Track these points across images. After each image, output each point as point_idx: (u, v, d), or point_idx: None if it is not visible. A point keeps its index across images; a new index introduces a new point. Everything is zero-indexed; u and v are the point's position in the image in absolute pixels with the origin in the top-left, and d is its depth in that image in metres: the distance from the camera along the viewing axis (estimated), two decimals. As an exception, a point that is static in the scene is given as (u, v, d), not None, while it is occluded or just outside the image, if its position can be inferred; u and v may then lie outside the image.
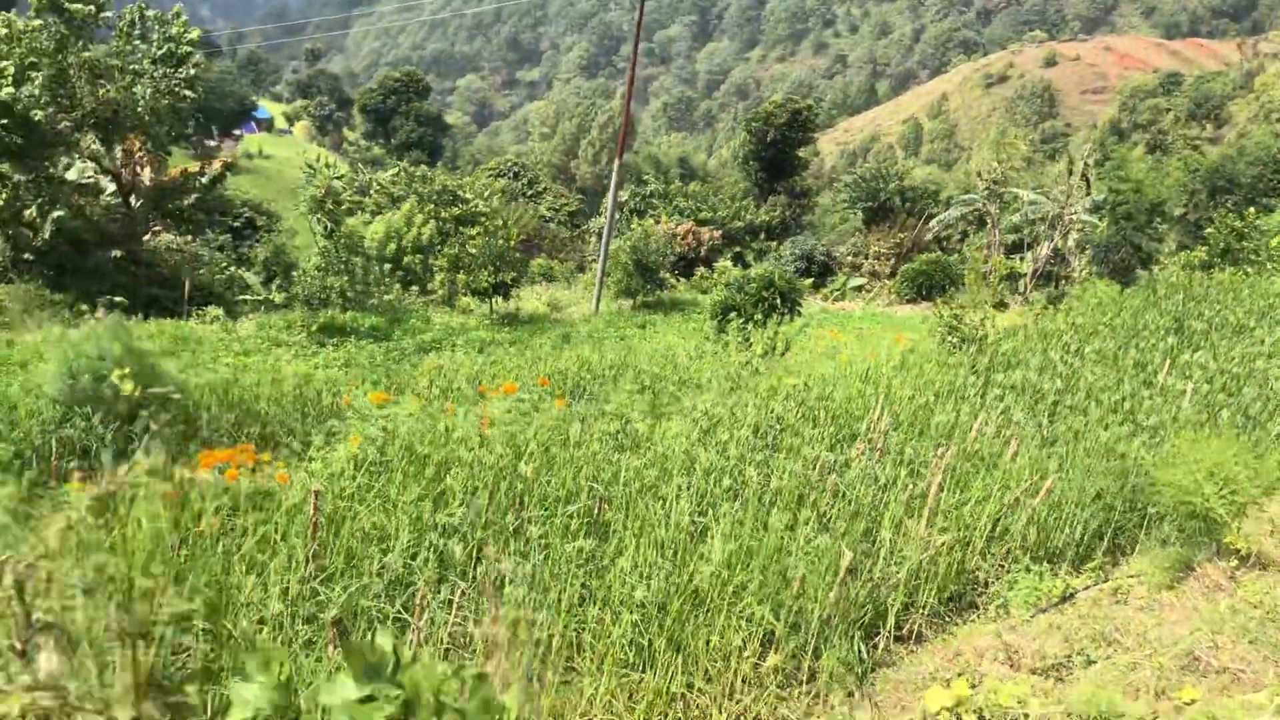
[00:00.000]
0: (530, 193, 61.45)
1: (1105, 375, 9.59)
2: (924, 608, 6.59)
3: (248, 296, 26.64)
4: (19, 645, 1.14)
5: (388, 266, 29.18)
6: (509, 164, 67.48)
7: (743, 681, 5.70)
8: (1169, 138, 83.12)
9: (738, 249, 41.75)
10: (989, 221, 36.29)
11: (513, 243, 27.58)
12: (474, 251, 26.42)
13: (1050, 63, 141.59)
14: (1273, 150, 40.47)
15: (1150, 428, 8.44)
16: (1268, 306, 13.25)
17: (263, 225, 31.80)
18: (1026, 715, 4.31)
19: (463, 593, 5.66)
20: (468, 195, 34.65)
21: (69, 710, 1.10)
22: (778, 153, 49.27)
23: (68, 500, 5.12)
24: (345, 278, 24.63)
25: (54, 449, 8.81)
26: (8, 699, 1.08)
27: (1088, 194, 34.58)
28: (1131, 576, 6.82)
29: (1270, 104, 79.12)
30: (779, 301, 17.60)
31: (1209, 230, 27.42)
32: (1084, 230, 34.00)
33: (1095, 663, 5.30)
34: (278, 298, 25.64)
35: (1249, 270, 17.99)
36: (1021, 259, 34.48)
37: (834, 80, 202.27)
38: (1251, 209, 26.95)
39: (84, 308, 22.46)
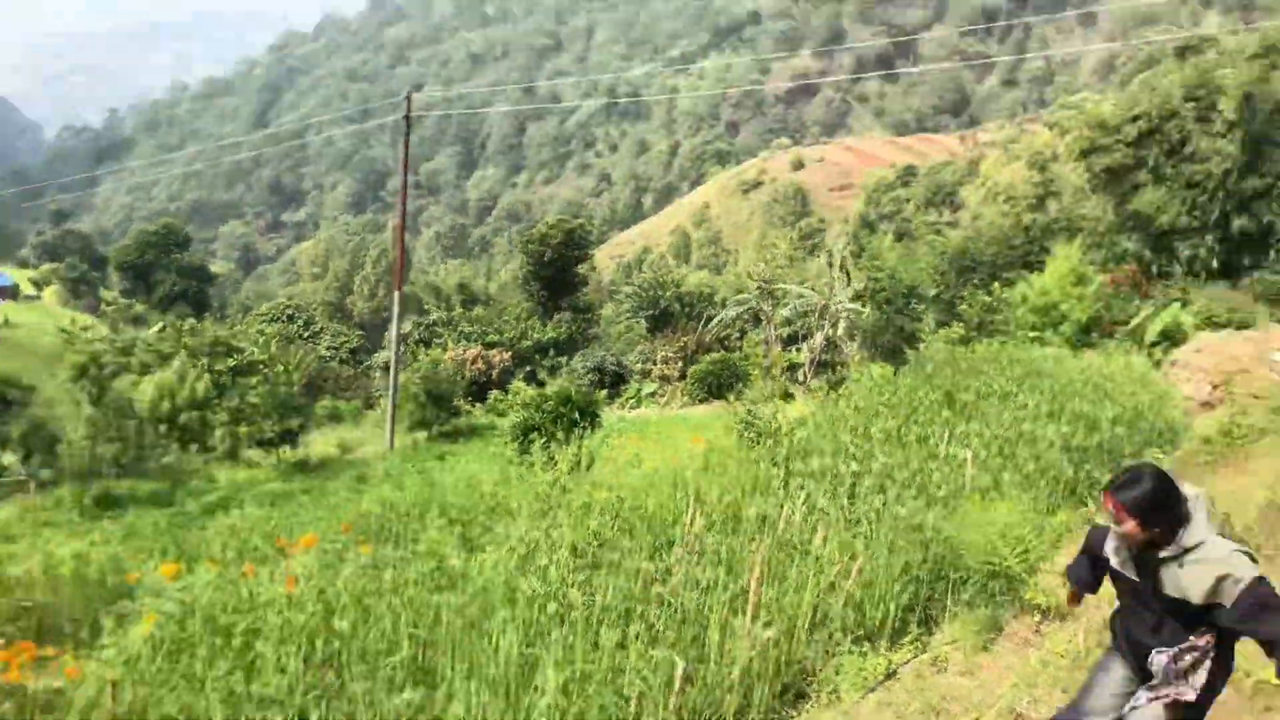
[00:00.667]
0: (307, 334, 59.92)
1: (894, 453, 10.10)
2: (760, 705, 6.63)
3: (5, 479, 24.55)
4: None
5: (163, 428, 27.62)
6: (282, 307, 65.66)
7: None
8: (912, 224, 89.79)
9: (529, 368, 41.90)
10: (763, 318, 37.95)
11: (295, 388, 26.70)
12: (255, 401, 25.39)
13: (799, 166, 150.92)
14: (1004, 228, 44.31)
15: (942, 499, 8.91)
16: (1025, 373, 14.37)
17: (15, 400, 29.51)
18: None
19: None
20: (242, 344, 33.44)
21: None
22: (556, 271, 50.16)
23: None
24: (117, 445, 23.15)
25: None
26: None
27: (849, 284, 36.83)
28: (948, 644, 7.11)
29: (995, 187, 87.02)
30: (578, 416, 17.74)
31: (962, 307, 29.62)
32: (850, 318, 36.03)
33: (929, 733, 5.46)
34: (45, 474, 23.76)
35: (1003, 340, 19.50)
36: (798, 350, 36.14)
37: (601, 198, 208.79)
38: (996, 284, 29.37)
39: None
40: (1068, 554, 8.27)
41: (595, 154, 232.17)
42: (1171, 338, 21.31)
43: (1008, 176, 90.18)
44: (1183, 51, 45.16)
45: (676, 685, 5.99)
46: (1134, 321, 23.19)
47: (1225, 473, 9.26)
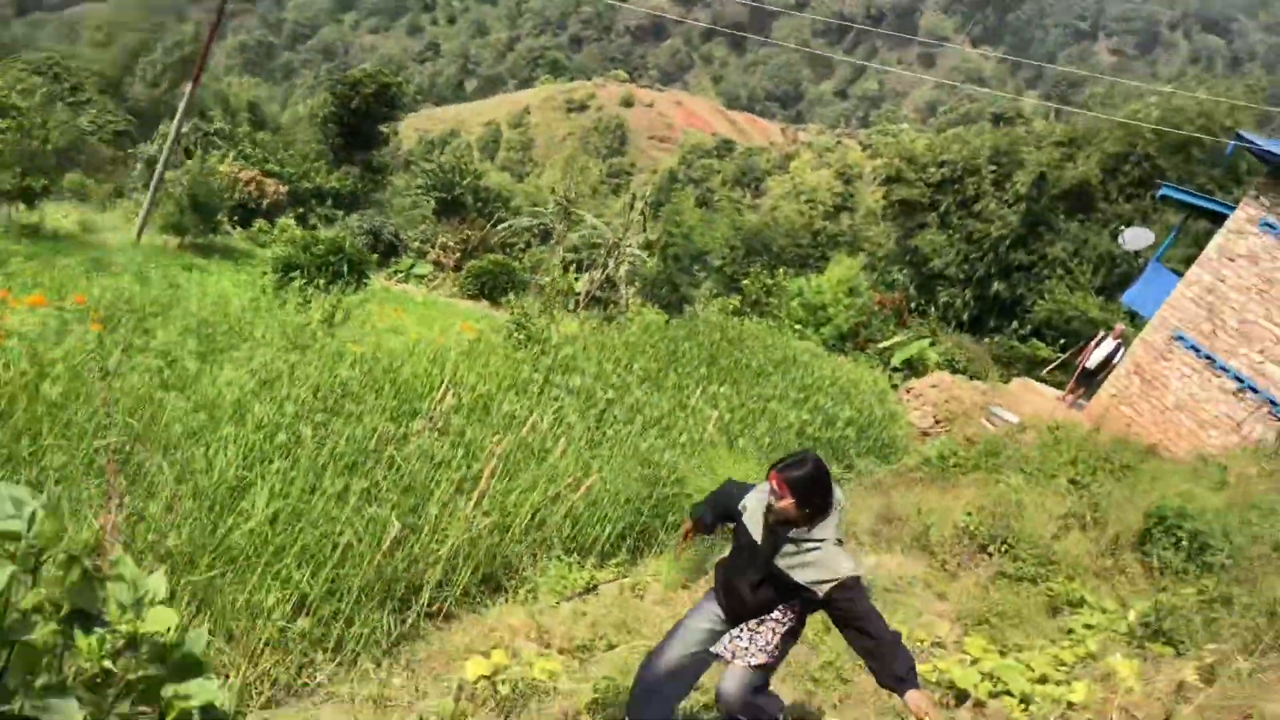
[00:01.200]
0: (73, 100, 54.63)
1: (650, 393, 10.36)
2: (458, 586, 6.69)
3: None
4: None
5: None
6: (48, 62, 59.45)
7: (267, 644, 5.44)
8: (716, 196, 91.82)
9: (303, 210, 39.96)
10: (554, 237, 37.85)
11: (50, 146, 24.32)
12: (1, 147, 22.90)
13: (627, 103, 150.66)
14: (797, 225, 46.09)
15: (682, 444, 9.23)
16: (783, 358, 15.04)
17: None
18: (556, 688, 4.51)
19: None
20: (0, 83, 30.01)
21: None
22: (360, 121, 47.88)
23: None
24: None
25: None
26: None
27: (643, 230, 37.25)
28: (650, 576, 7.40)
29: (801, 185, 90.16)
30: (346, 269, 17.09)
31: (745, 282, 30.63)
32: (634, 263, 36.52)
33: (616, 647, 5.67)
34: None
35: (772, 324, 20.33)
36: (578, 278, 36.34)
37: (425, 66, 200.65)
38: (781, 269, 30.56)
39: None
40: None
41: (432, 20, 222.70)
42: (914, 367, 22.90)
43: (814, 180, 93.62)
44: (998, 119, 48.24)
45: (386, 545, 5.94)
46: (887, 343, 24.73)
47: (935, 491, 10.07)
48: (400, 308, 19.21)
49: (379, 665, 5.65)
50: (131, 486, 5.60)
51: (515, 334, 11.62)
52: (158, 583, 1.31)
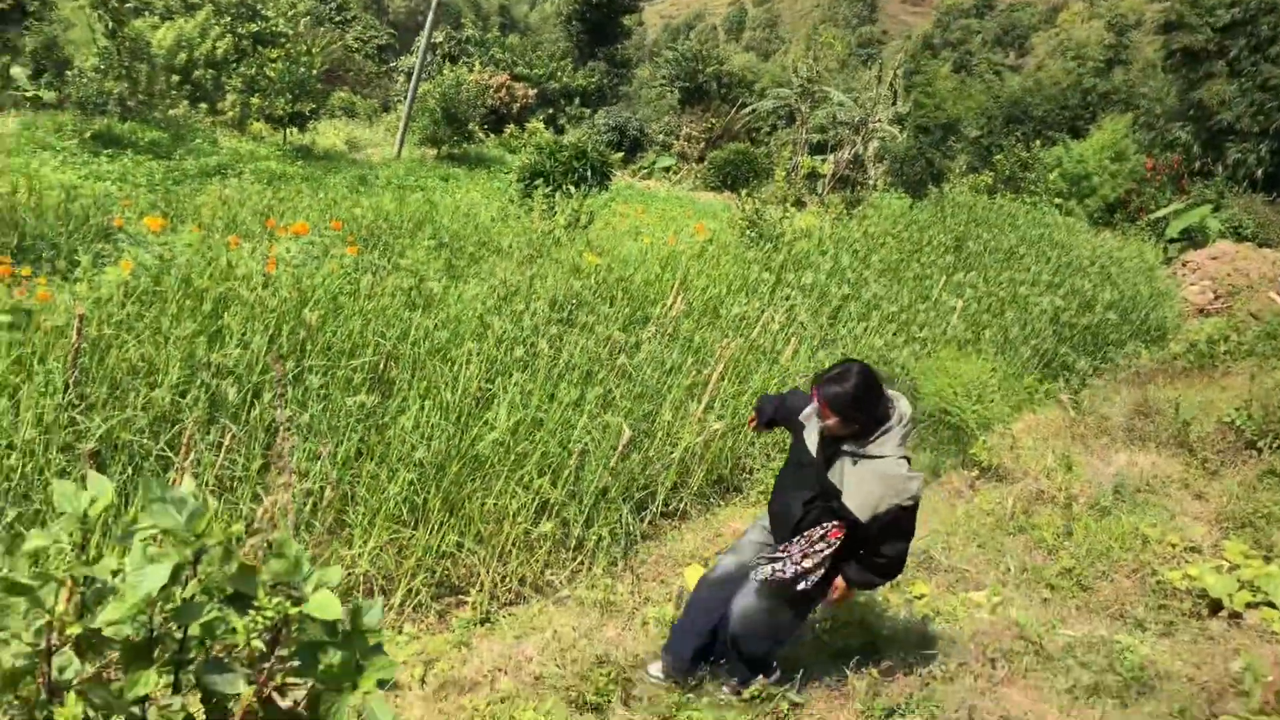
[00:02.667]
0: (338, 19, 57.85)
1: (889, 287, 10.09)
2: (692, 488, 6.89)
3: (13, 91, 24.10)
4: None
5: (175, 78, 26.97)
6: (315, -17, 63.13)
7: (513, 545, 5.83)
8: (975, 59, 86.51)
9: (551, 111, 40.94)
10: (798, 119, 36.98)
11: (315, 71, 26.00)
12: (272, 75, 24.74)
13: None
14: (1064, 86, 42.81)
15: (921, 339, 8.97)
16: (1038, 237, 14.20)
17: (34, 10, 28.59)
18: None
19: (233, 436, 5.48)
20: (269, 13, 32.22)
21: None
22: (603, 16, 48.15)
23: None
24: (127, 84, 22.64)
25: None
26: None
27: (894, 104, 35.69)
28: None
29: (1068, 41, 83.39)
30: (589, 173, 17.45)
31: (998, 157, 28.94)
32: (884, 140, 35.17)
33: (842, 554, 5.68)
34: (47, 95, 23.34)
35: (1028, 200, 19.18)
36: (824, 160, 35.45)
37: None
38: (1038, 141, 28.62)
39: None
40: (1024, 421, 8.45)
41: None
42: (1192, 238, 21.00)
43: (1083, 33, 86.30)
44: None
45: (620, 449, 6.18)
46: (1161, 212, 22.77)
47: (1199, 382, 9.34)
48: (642, 206, 19.48)
49: (615, 565, 5.94)
50: (384, 402, 6.07)
51: (748, 232, 11.57)
52: (332, 575, 1.45)
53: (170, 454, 5.29)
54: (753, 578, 4.16)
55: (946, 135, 36.09)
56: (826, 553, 3.90)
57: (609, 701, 4.13)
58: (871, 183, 32.82)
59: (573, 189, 14.67)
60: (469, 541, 5.79)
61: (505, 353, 6.83)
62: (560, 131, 34.11)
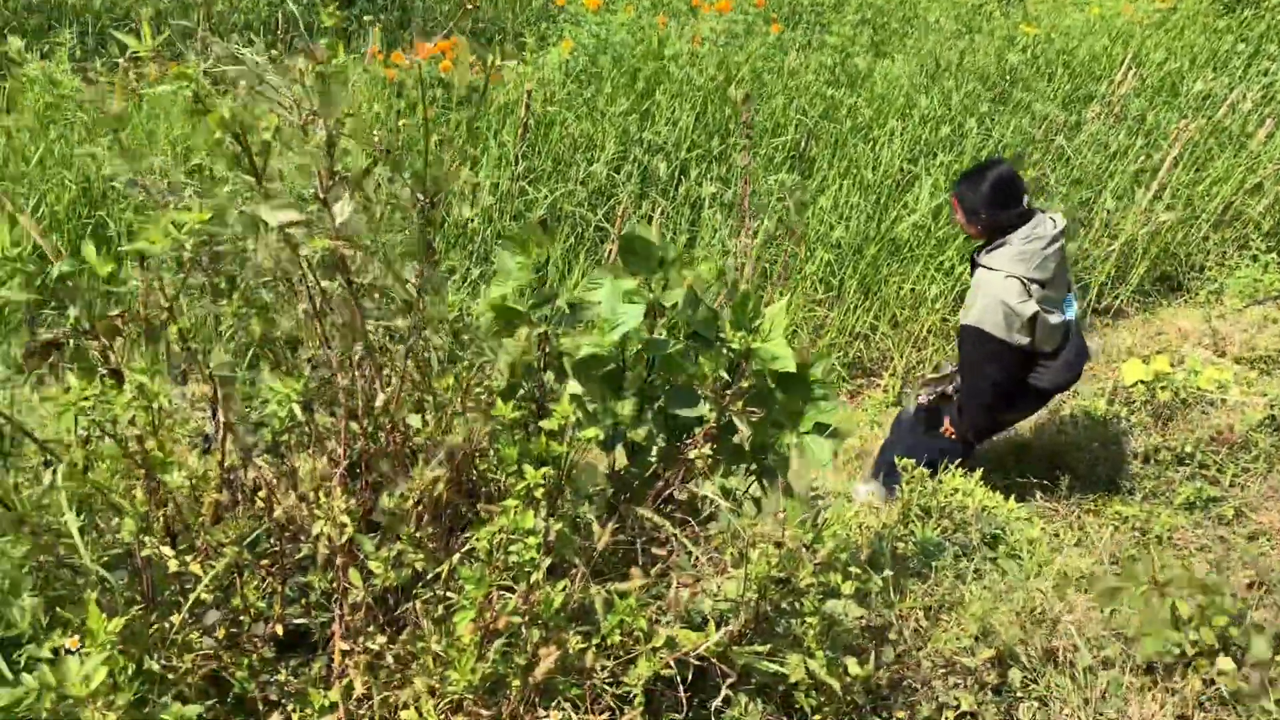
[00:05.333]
0: None
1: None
2: (1131, 284, 6.34)
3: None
4: (321, 194, 1.18)
5: None
6: None
7: (929, 332, 5.73)
8: None
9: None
10: None
11: None
12: None
13: None
14: None
15: None
16: None
17: None
18: (1224, 400, 4.19)
19: (662, 211, 5.73)
20: None
21: (357, 248, 1.16)
22: None
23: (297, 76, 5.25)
24: None
25: (280, 22, 9.01)
26: (313, 242, 1.15)
27: None
28: (1371, 281, 6.32)
29: None
30: (1030, -63, 15.74)
31: None
32: None
33: (1310, 362, 5.04)
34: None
35: None
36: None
37: None
38: None
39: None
40: None
41: None
42: None
43: None
44: None
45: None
46: None
47: None
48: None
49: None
50: (805, 180, 6.05)
51: (1221, -3, 9.99)
52: (776, 312, 1.48)
53: (607, 225, 5.63)
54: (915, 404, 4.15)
55: None
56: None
57: (1030, 489, 4.02)
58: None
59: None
60: (884, 325, 5.75)
61: (930, 132, 6.52)
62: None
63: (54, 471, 1.11)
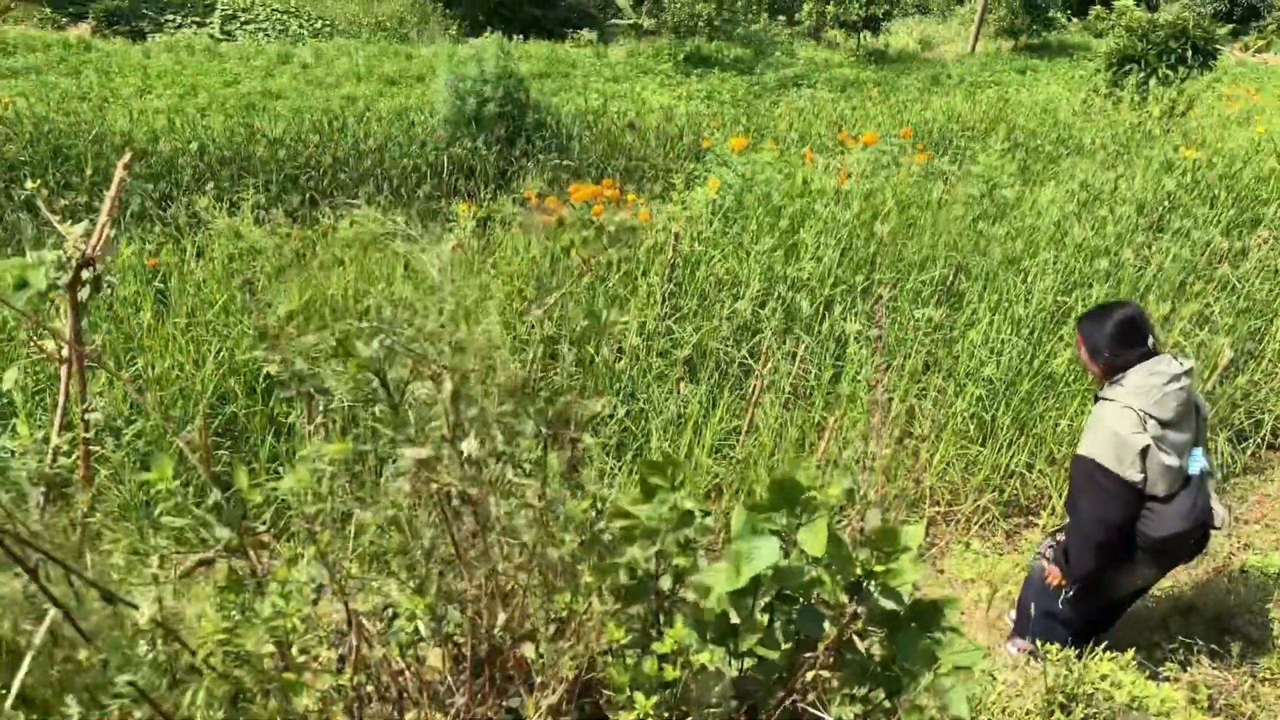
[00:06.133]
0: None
1: None
2: (1307, 418, 5.99)
3: (619, 20, 26.91)
4: (449, 435, 1.28)
5: (756, -6, 28.34)
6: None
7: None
8: None
9: (1147, -16, 36.81)
10: None
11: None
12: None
13: None
14: None
15: None
16: None
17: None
18: None
19: (806, 346, 5.75)
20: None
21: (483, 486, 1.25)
22: None
23: (457, 218, 5.58)
24: (713, 4, 24.20)
25: (446, 166, 9.59)
26: (441, 478, 1.25)
27: None
28: None
29: None
30: (1189, 53, 15.45)
31: None
32: None
33: None
34: (648, 23, 25.74)
35: None
36: None
37: None
38: None
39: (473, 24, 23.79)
40: None
41: None
42: None
43: None
44: None
45: (1219, 369, 5.54)
46: None
47: None
48: (1256, 86, 16.91)
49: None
50: (953, 315, 5.99)
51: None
52: (915, 534, 1.47)
53: (751, 361, 5.69)
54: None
55: None
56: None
57: (1195, 655, 3.78)
58: None
59: (1169, 73, 13.15)
60: (1040, 462, 5.57)
61: (1085, 263, 6.38)
62: (1154, 8, 30.55)
63: (193, 691, 1.21)
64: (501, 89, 10.45)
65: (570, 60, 20.81)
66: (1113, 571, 3.59)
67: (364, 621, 1.43)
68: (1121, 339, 3.40)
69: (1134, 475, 3.30)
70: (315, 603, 1.38)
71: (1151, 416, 3.29)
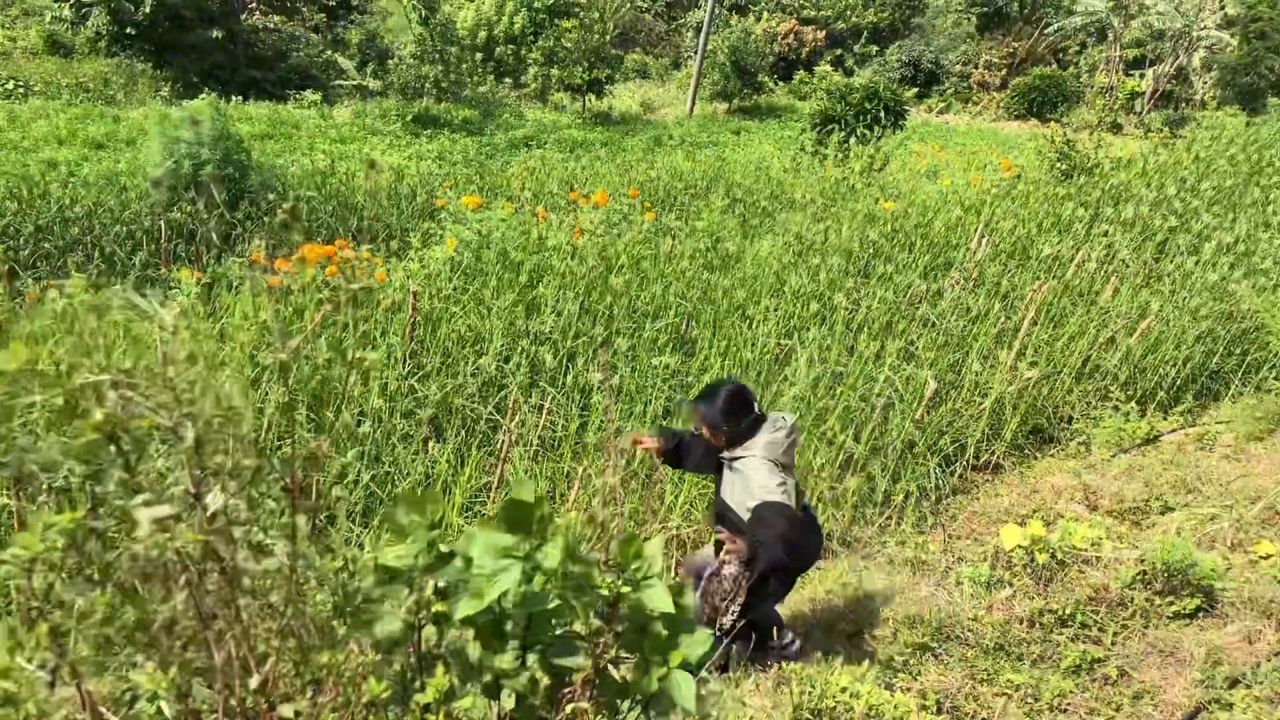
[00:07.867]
0: (630, -18, 59.03)
1: (1222, 215, 9.19)
2: (1005, 440, 6.63)
3: (343, 82, 26.49)
4: (193, 490, 1.24)
5: (479, 57, 28.63)
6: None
7: (818, 501, 5.86)
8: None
9: (840, 51, 40.02)
10: (1110, 34, 34.11)
11: (608, 37, 26.79)
12: (569, 45, 25.73)
13: None
14: None
15: (1264, 271, 8.14)
16: None
17: (356, 5, 31.23)
18: (1099, 557, 4.37)
19: (552, 398, 5.83)
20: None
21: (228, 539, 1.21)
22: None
23: (179, 284, 5.28)
24: (440, 67, 24.27)
25: (162, 231, 9.08)
26: (186, 535, 1.20)
27: (1221, 8, 32.17)
28: (1220, 423, 6.74)
29: None
30: (882, 114, 16.97)
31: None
32: (1212, 49, 31.82)
33: (1173, 509, 5.31)
34: (373, 85, 25.49)
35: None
36: (1141, 75, 32.55)
37: None
38: None
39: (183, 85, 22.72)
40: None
41: None
42: None
43: None
44: None
45: (925, 400, 6.05)
46: None
47: None
48: (940, 144, 18.73)
49: (925, 521, 5.84)
50: (687, 361, 6.25)
51: (1058, 165, 10.86)
52: (654, 550, 1.55)
53: (498, 416, 5.71)
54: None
55: (1290, 37, 32.03)
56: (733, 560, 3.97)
57: (922, 661, 4.09)
58: (1198, 98, 29.83)
59: (866, 132, 14.33)
60: (775, 497, 5.87)
61: (802, 308, 6.83)
62: (849, 73, 33.29)
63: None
64: (220, 150, 10.04)
65: (294, 121, 20.25)
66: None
67: (100, 708, 1.34)
68: (732, 413, 3.86)
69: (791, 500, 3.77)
70: (52, 687, 1.29)
71: (780, 464, 3.78)
